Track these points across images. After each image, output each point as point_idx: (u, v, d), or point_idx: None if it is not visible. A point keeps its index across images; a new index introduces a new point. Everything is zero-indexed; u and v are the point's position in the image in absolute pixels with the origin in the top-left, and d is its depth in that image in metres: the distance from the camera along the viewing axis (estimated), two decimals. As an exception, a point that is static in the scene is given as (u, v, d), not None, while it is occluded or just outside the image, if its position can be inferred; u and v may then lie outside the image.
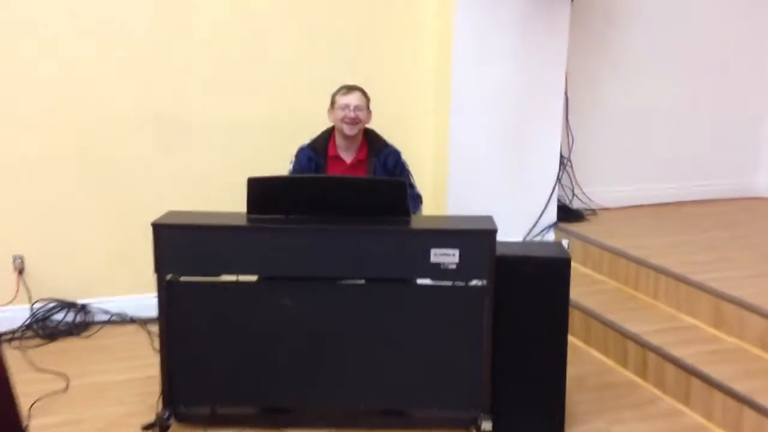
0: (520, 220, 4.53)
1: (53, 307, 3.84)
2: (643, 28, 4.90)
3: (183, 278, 2.82)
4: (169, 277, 2.79)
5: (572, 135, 4.74)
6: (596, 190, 4.97)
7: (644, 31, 4.91)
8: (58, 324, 3.80)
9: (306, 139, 3.42)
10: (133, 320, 3.93)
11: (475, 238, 2.74)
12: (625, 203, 5.08)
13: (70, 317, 3.86)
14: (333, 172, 3.31)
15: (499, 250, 2.74)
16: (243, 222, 2.81)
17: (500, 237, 4.27)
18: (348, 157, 3.36)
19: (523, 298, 2.79)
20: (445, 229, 2.79)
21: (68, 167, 3.80)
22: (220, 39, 3.92)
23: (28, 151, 3.71)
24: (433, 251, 2.74)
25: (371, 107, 3.37)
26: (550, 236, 4.57)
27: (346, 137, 3.30)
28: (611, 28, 4.85)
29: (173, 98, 3.89)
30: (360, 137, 3.35)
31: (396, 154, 3.39)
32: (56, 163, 3.77)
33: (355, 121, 3.26)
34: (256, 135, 4.02)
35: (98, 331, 3.86)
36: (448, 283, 2.79)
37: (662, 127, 5.11)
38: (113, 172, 3.88)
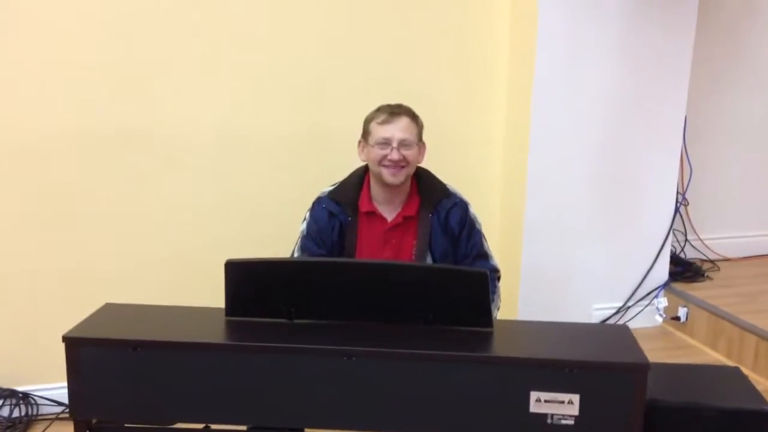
0: (618, 280, 3.36)
1: (-17, 398, 2.87)
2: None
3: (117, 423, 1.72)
4: (94, 422, 1.69)
5: (690, 165, 3.52)
6: (716, 235, 3.76)
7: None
8: (-10, 420, 2.83)
9: (332, 180, 2.31)
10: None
11: (609, 375, 1.58)
12: (750, 252, 3.86)
13: (5, 411, 2.89)
14: (368, 237, 2.18)
15: (651, 390, 1.59)
16: (217, 333, 1.69)
17: (592, 300, 3.22)
18: (390, 213, 2.22)
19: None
20: (556, 360, 1.62)
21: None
22: (214, 29, 2.82)
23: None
24: (534, 395, 1.60)
25: (424, 136, 2.23)
26: (662, 302, 3.37)
27: (387, 186, 2.17)
28: (743, 22, 3.62)
29: (148, 109, 2.81)
30: (408, 184, 2.22)
31: (462, 207, 2.24)
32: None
33: (400, 165, 2.14)
34: (267, 162, 2.94)
35: (45, 430, 2.86)
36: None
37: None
38: (68, 207, 2.82)
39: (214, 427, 1.76)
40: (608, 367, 1.59)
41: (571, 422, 1.60)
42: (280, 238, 2.84)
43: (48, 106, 2.72)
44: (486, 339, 1.68)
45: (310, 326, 1.73)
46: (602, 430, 1.60)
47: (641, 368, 1.57)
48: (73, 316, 2.77)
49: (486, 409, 1.62)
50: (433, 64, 3.07)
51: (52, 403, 2.93)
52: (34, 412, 2.91)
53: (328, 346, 1.63)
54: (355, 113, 2.90)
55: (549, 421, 1.61)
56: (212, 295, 2.49)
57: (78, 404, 1.69)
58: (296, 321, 1.74)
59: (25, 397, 2.92)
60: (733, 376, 1.82)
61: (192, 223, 2.93)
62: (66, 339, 1.65)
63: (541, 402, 1.60)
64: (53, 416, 2.91)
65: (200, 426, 1.77)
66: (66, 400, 2.78)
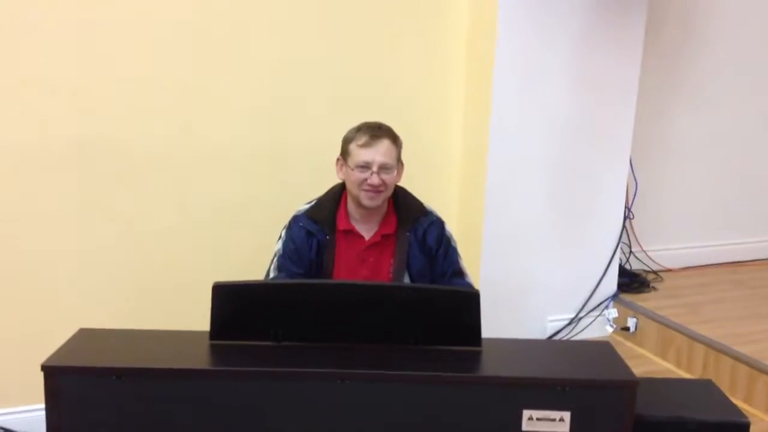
0: (570, 291, 3.44)
1: None
2: (726, 45, 3.85)
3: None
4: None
5: (636, 181, 3.64)
6: (658, 247, 3.90)
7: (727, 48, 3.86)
8: None
9: (307, 199, 2.28)
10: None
11: (600, 392, 1.62)
12: (690, 262, 4.01)
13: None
14: (345, 255, 2.16)
15: (639, 406, 1.63)
16: (201, 358, 1.64)
17: (546, 312, 3.28)
18: (367, 232, 2.21)
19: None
20: (549, 379, 1.65)
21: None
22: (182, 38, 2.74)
23: None
24: (526, 414, 1.62)
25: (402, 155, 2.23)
26: (612, 313, 3.47)
27: (365, 206, 2.16)
28: (685, 44, 3.79)
29: (104, 125, 2.68)
30: (385, 203, 2.22)
31: (439, 225, 2.25)
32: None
33: (379, 189, 2.13)
34: (243, 177, 2.87)
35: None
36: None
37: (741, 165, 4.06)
38: (18, 225, 2.66)
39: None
40: (599, 385, 1.62)
41: (562, 439, 1.63)
42: (244, 255, 2.81)
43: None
44: (477, 358, 1.69)
45: (298, 348, 1.70)
46: (591, 446, 1.63)
47: (631, 385, 1.61)
48: (22, 339, 2.67)
49: (479, 427, 1.63)
50: (391, 80, 3.06)
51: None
52: (-26, 443, 2.75)
53: (321, 369, 1.61)
54: (317, 126, 2.90)
55: (541, 439, 1.63)
56: (173, 316, 2.44)
57: (55, 436, 1.60)
58: (283, 343, 1.71)
59: (-30, 425, 2.76)
60: (708, 389, 1.88)
61: (151, 241, 2.82)
62: (45, 368, 1.56)
63: (533, 420, 1.62)
64: (-4, 446, 2.76)
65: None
66: (19, 428, 2.74)
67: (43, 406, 1.61)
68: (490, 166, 3.11)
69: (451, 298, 1.71)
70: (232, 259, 2.85)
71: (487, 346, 1.73)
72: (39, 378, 1.60)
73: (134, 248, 2.80)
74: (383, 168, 2.11)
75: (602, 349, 1.78)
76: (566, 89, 3.17)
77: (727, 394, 2.01)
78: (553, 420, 1.62)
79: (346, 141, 2.17)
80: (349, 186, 2.17)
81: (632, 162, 3.51)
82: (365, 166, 2.11)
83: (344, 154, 2.17)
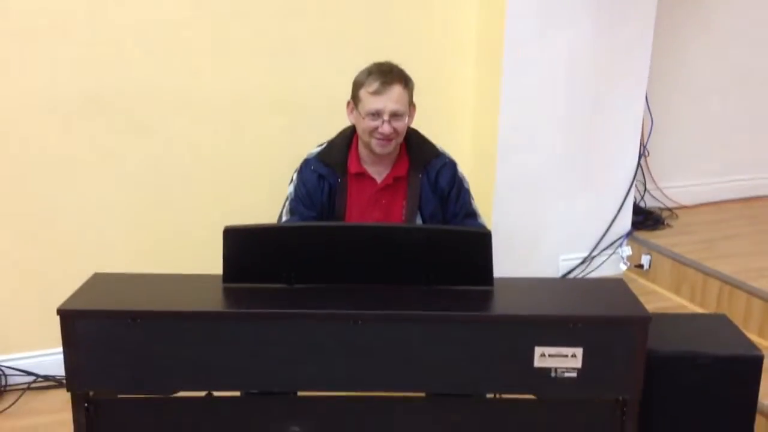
0: (584, 230, 3.43)
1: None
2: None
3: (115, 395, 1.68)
4: (91, 393, 1.65)
5: (652, 117, 3.58)
6: (672, 184, 3.86)
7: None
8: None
9: (319, 141, 2.25)
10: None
11: (611, 329, 1.62)
12: (705, 199, 3.98)
13: (-29, 382, 2.78)
14: (357, 198, 2.15)
15: (651, 341, 1.63)
16: (215, 301, 1.66)
17: (559, 252, 3.27)
18: (379, 175, 2.19)
19: (685, 418, 1.70)
20: (560, 316, 1.65)
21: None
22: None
23: None
24: (538, 351, 1.63)
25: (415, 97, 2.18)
26: (626, 251, 3.46)
27: (376, 153, 2.14)
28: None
29: (114, 74, 2.65)
30: (397, 147, 2.18)
31: (452, 167, 2.22)
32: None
33: (391, 138, 2.09)
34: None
35: (16, 402, 2.74)
36: (564, 401, 1.68)
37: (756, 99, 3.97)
38: (30, 176, 2.67)
39: (216, 394, 1.74)
40: (611, 321, 1.63)
41: (574, 375, 1.64)
42: (256, 201, 2.80)
43: (6, 71, 2.55)
44: (489, 297, 1.69)
45: (311, 290, 1.71)
46: (604, 381, 1.65)
47: (643, 321, 1.61)
48: (37, 285, 2.71)
49: (492, 365, 1.65)
50: (402, 27, 2.99)
51: (21, 373, 2.83)
52: (3, 383, 2.80)
53: (336, 311, 1.62)
54: (330, 73, 2.86)
55: (553, 374, 1.65)
56: (185, 261, 2.45)
57: (75, 377, 1.64)
58: (296, 285, 1.72)
59: (-8, 367, 2.83)
60: (721, 323, 1.89)
61: (165, 187, 2.82)
62: (61, 312, 1.59)
63: (545, 357, 1.64)
64: (24, 386, 2.83)
65: (202, 394, 1.74)
66: (37, 370, 2.81)
67: (61, 349, 1.64)
68: (503, 105, 3.06)
69: (462, 238, 1.71)
70: (246, 204, 2.85)
71: (499, 285, 1.74)
72: (57, 322, 1.63)
73: (149, 194, 2.81)
74: (394, 115, 2.07)
75: (615, 286, 1.78)
76: (580, 27, 3.09)
77: (741, 328, 2.01)
78: (566, 356, 1.63)
79: (357, 85, 2.12)
80: (360, 132, 2.14)
81: (648, 99, 3.45)
82: (376, 114, 2.06)
83: (355, 98, 2.13)
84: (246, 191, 2.89)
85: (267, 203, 2.46)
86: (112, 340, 1.62)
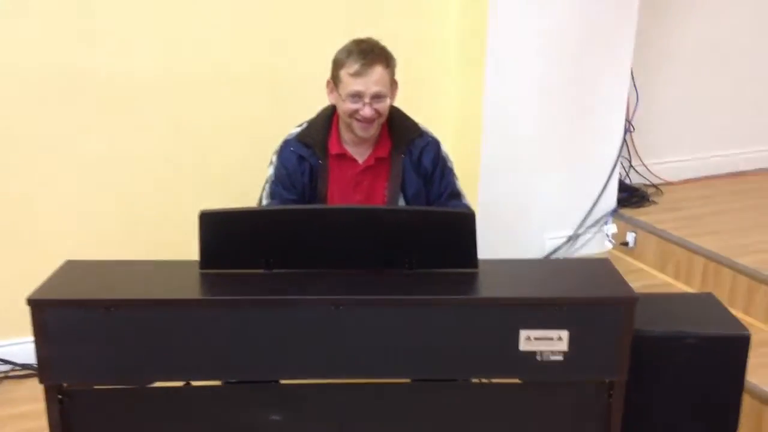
0: (569, 208, 3.40)
1: None
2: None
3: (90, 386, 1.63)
4: (65, 385, 1.60)
5: (637, 93, 3.54)
6: (659, 160, 3.84)
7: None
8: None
9: (298, 122, 2.18)
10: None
11: (598, 310, 1.59)
12: (691, 175, 3.95)
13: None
14: (339, 180, 2.09)
15: (638, 322, 1.60)
16: (192, 288, 1.61)
17: (544, 230, 3.24)
18: (361, 155, 2.13)
19: (673, 399, 1.67)
20: (545, 298, 1.62)
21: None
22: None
23: None
24: (523, 334, 1.60)
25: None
26: (611, 229, 3.44)
27: (358, 136, 2.09)
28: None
29: (95, 52, 2.58)
30: (379, 127, 2.12)
31: (435, 146, 2.16)
32: None
33: (372, 120, 2.03)
34: (236, 101, 2.77)
35: (-6, 390, 2.70)
36: (550, 384, 1.65)
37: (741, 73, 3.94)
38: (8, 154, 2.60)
39: (195, 384, 1.69)
40: (597, 303, 1.59)
41: (560, 358, 1.61)
42: (236, 183, 2.75)
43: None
44: (473, 280, 1.65)
45: (291, 276, 1.66)
46: (591, 363, 1.62)
47: (629, 301, 1.58)
48: (10, 271, 2.65)
49: (477, 349, 1.61)
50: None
51: (2, 362, 2.78)
52: (-22, 372, 2.77)
53: (316, 296, 1.57)
54: (312, 51, 2.79)
55: (538, 358, 1.61)
56: (164, 245, 2.39)
57: (47, 369, 1.59)
58: (275, 270, 1.67)
59: (-33, 355, 2.77)
60: (708, 302, 1.86)
61: (141, 169, 2.77)
62: (31, 301, 1.53)
63: (530, 340, 1.60)
64: (2, 375, 2.78)
65: (180, 384, 1.70)
66: (14, 358, 2.76)
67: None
68: (487, 81, 3.01)
69: (446, 219, 1.67)
70: (226, 187, 2.80)
71: (483, 267, 1.69)
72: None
73: (124, 177, 2.75)
74: (376, 97, 2.00)
75: (600, 266, 1.75)
76: (565, 2, 3.04)
77: (727, 305, 1.97)
78: (551, 339, 1.60)
79: (337, 65, 2.04)
80: (341, 113, 2.07)
81: (633, 73, 3.41)
82: (357, 96, 1.99)
83: (335, 78, 2.05)
84: (226, 173, 2.84)
85: (248, 186, 2.41)
86: (85, 330, 1.57)
